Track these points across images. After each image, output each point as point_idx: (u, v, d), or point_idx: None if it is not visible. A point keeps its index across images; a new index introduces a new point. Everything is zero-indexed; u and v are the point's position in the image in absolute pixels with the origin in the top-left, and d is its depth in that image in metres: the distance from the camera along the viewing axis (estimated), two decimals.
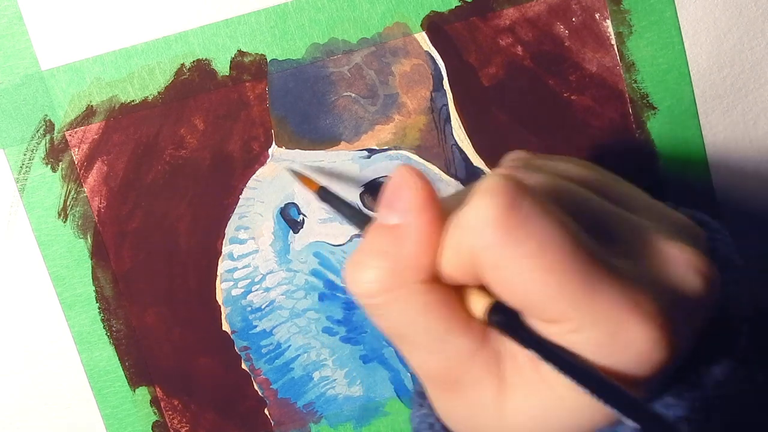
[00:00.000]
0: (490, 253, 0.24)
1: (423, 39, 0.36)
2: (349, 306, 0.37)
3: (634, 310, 0.24)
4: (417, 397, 0.29)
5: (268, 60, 0.35)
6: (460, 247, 0.25)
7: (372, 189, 0.37)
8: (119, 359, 0.37)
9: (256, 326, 0.37)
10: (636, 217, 0.27)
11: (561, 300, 0.24)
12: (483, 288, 0.26)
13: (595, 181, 0.29)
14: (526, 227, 0.24)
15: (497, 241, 0.24)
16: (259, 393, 0.38)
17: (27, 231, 0.36)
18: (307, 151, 0.36)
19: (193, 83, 0.35)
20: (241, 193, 0.36)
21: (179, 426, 0.38)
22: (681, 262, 0.25)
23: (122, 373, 0.37)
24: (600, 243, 0.25)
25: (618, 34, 0.36)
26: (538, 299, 0.24)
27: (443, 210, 0.26)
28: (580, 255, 0.24)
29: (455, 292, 0.26)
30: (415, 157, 0.36)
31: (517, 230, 0.24)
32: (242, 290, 0.37)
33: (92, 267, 0.36)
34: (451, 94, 0.36)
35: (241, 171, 0.36)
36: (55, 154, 0.36)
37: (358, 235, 0.37)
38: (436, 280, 0.26)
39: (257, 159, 0.36)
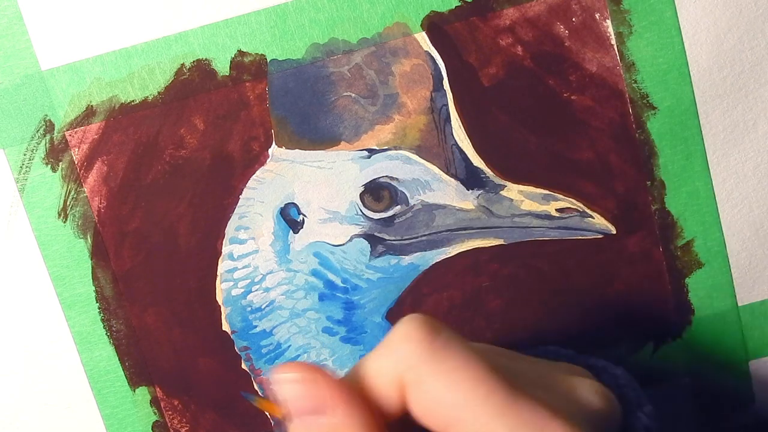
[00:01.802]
0: (416, 371, 0.26)
1: (423, 39, 0.36)
2: (349, 306, 0.38)
3: (554, 418, 0.26)
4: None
5: (268, 60, 0.35)
6: (384, 379, 0.27)
7: (372, 189, 0.37)
8: (119, 359, 0.37)
9: (256, 326, 0.37)
10: (537, 362, 0.30)
11: (486, 410, 0.25)
12: None
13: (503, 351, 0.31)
14: (447, 348, 0.26)
15: (423, 358, 0.26)
16: (259, 393, 0.38)
17: (27, 231, 0.36)
18: (307, 151, 0.36)
19: (193, 83, 0.35)
20: (241, 193, 0.36)
21: (179, 426, 0.38)
22: (585, 386, 0.28)
23: (122, 373, 0.37)
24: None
25: (618, 34, 0.36)
26: (463, 412, 0.25)
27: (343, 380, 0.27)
28: (499, 373, 0.26)
29: None
30: (415, 157, 0.36)
31: (440, 349, 0.26)
32: (242, 290, 0.37)
33: (92, 267, 0.36)
34: (451, 94, 0.36)
35: (241, 171, 0.36)
36: (55, 154, 0.36)
37: (358, 236, 0.37)
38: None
39: (257, 159, 0.36)
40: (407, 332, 0.26)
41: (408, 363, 0.26)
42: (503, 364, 0.28)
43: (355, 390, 0.27)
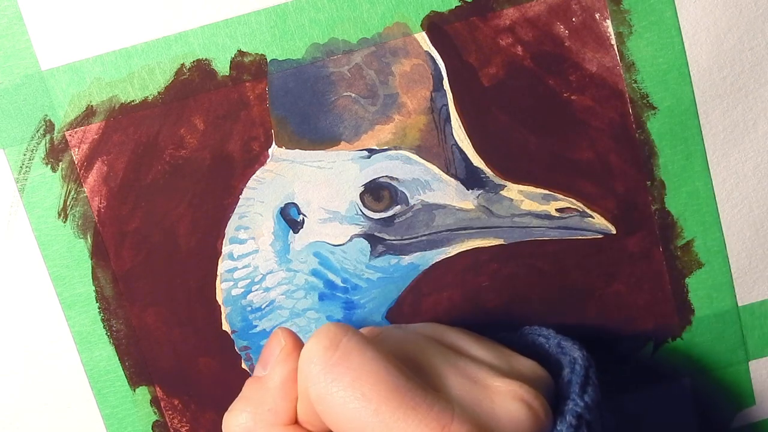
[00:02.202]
0: (315, 388, 0.28)
1: (423, 39, 0.36)
2: (349, 306, 0.38)
3: (443, 428, 0.27)
4: None
5: (268, 60, 0.35)
6: (300, 391, 0.30)
7: (372, 189, 0.37)
8: (119, 359, 0.37)
9: (256, 326, 0.37)
10: (464, 359, 0.31)
11: (377, 425, 0.27)
12: None
13: (440, 334, 0.33)
14: (344, 363, 0.28)
15: (320, 376, 0.28)
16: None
17: (27, 231, 0.36)
18: (307, 151, 0.36)
19: (193, 83, 0.35)
20: (241, 193, 0.36)
21: (179, 426, 0.38)
22: (504, 393, 0.29)
23: (122, 373, 0.37)
24: (421, 377, 0.29)
25: (618, 34, 0.36)
26: (357, 426, 0.27)
27: None
28: (393, 384, 0.27)
29: None
30: (415, 157, 0.36)
31: (335, 366, 0.28)
32: (242, 290, 0.37)
33: (92, 267, 0.36)
34: (451, 94, 0.36)
35: (241, 171, 0.36)
36: (55, 154, 0.36)
37: (358, 235, 0.37)
38: (297, 425, 0.30)
39: (257, 159, 0.36)
40: (308, 350, 0.29)
41: (309, 382, 0.28)
42: (416, 359, 0.30)
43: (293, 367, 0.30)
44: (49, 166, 0.36)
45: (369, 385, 0.27)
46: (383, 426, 0.27)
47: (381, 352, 0.28)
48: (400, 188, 0.37)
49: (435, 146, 0.36)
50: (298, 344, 0.31)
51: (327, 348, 0.28)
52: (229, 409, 0.31)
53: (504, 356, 0.32)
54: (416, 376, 0.29)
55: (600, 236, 0.37)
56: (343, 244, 0.37)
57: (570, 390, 0.31)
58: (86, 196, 0.36)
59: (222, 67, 0.35)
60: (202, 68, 0.35)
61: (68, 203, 0.36)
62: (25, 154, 0.35)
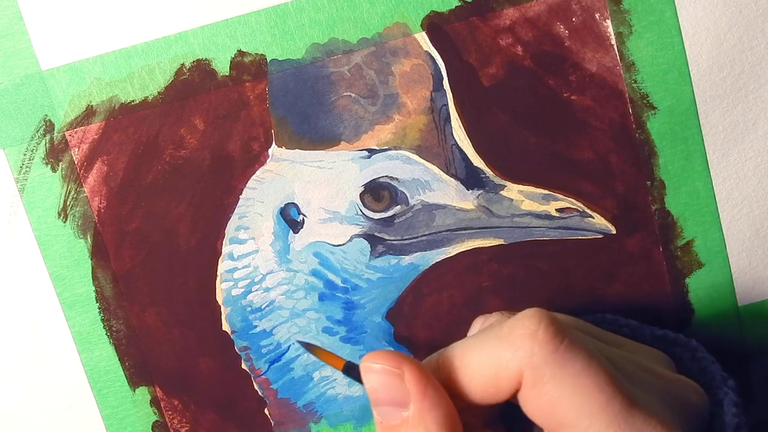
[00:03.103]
0: (538, 371, 0.26)
1: (423, 39, 0.36)
2: (349, 306, 0.38)
3: (662, 427, 0.26)
4: None
5: (268, 60, 0.35)
6: (500, 365, 0.27)
7: (372, 189, 0.37)
8: (119, 359, 0.37)
9: (256, 326, 0.37)
10: (635, 355, 0.30)
11: (603, 418, 0.26)
12: None
13: (591, 328, 0.32)
14: (571, 351, 0.26)
15: (547, 360, 0.26)
16: (259, 393, 0.38)
17: (27, 231, 0.36)
18: (307, 151, 0.36)
19: (193, 83, 0.35)
20: (241, 193, 0.36)
21: (179, 426, 0.38)
22: (683, 385, 0.29)
23: (122, 373, 0.37)
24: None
25: (618, 34, 0.36)
26: (579, 417, 0.26)
27: (433, 368, 0.28)
28: (618, 381, 0.26)
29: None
30: (415, 157, 0.36)
31: (564, 352, 0.26)
32: (242, 290, 0.37)
33: (92, 267, 0.36)
34: (451, 94, 0.36)
35: (241, 171, 0.36)
36: (55, 154, 0.36)
37: (358, 236, 0.37)
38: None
39: (257, 159, 0.36)
40: (533, 330, 0.27)
41: (531, 362, 0.27)
42: (615, 361, 0.29)
43: (439, 381, 0.28)
44: (49, 166, 0.36)
45: (597, 378, 0.26)
46: (605, 424, 0.26)
47: (599, 353, 0.28)
48: (400, 188, 0.37)
49: (435, 146, 0.36)
50: (420, 367, 0.28)
51: (556, 334, 0.27)
52: None
53: (640, 344, 0.32)
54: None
55: (600, 236, 0.37)
56: (343, 244, 0.37)
57: (711, 381, 0.31)
58: (86, 196, 0.36)
59: (222, 67, 0.35)
60: (202, 68, 0.35)
61: (68, 203, 0.36)
62: (25, 154, 0.35)
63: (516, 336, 0.27)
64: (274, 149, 0.36)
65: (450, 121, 0.36)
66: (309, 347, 0.34)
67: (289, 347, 0.38)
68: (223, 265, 0.37)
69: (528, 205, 0.37)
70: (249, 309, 0.37)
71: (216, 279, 0.37)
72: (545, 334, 0.27)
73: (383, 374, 0.27)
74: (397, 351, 0.28)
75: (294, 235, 0.37)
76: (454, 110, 0.36)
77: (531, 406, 0.27)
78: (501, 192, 0.37)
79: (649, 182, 0.37)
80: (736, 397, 0.30)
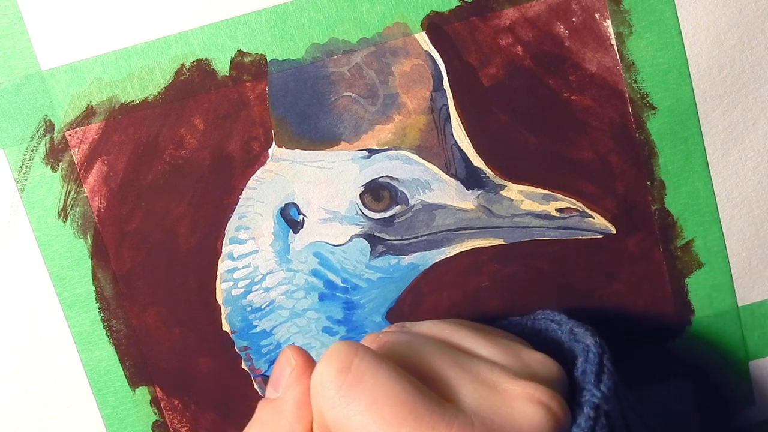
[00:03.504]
0: (332, 413, 0.27)
1: (423, 39, 0.36)
2: (349, 306, 0.38)
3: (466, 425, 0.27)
4: None
5: (268, 60, 0.35)
6: (315, 413, 0.29)
7: (372, 189, 0.37)
8: (119, 359, 0.37)
9: (256, 326, 0.37)
10: (476, 362, 0.30)
11: None
12: None
13: (448, 334, 0.32)
14: (358, 385, 0.27)
15: (335, 401, 0.27)
16: (259, 393, 0.38)
17: (27, 231, 0.36)
18: (307, 151, 0.36)
19: (193, 83, 0.35)
20: (241, 193, 0.36)
21: (179, 426, 0.38)
22: (521, 397, 0.28)
23: (122, 373, 0.37)
24: (437, 389, 0.28)
25: (618, 34, 0.36)
26: None
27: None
28: (411, 404, 0.27)
29: None
30: (415, 157, 0.36)
31: (350, 389, 0.27)
32: (242, 290, 0.37)
33: (92, 267, 0.36)
34: (451, 94, 0.36)
35: (241, 171, 0.36)
36: (55, 154, 0.36)
37: (358, 236, 0.37)
38: None
39: (257, 159, 0.36)
40: (320, 373, 0.28)
41: (325, 407, 0.28)
42: (428, 368, 0.30)
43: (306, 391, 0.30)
44: (49, 166, 0.36)
45: (387, 407, 0.27)
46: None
47: (395, 370, 0.28)
48: (400, 188, 0.37)
49: (435, 146, 0.36)
50: (309, 362, 0.30)
51: (340, 370, 0.28)
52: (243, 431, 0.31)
53: (514, 352, 0.31)
54: (430, 388, 0.28)
55: (600, 236, 0.37)
56: (343, 244, 0.37)
57: (585, 380, 0.31)
58: (86, 196, 0.36)
59: (222, 67, 0.35)
60: (202, 68, 0.35)
61: (68, 203, 0.36)
62: (25, 154, 0.35)
63: (313, 386, 0.28)
64: (274, 149, 0.36)
65: (450, 121, 0.36)
66: None
67: None
68: (223, 265, 0.37)
69: (528, 205, 0.37)
70: (249, 309, 0.37)
71: (216, 279, 0.37)
72: (328, 374, 0.28)
73: (281, 355, 0.31)
74: (309, 357, 0.31)
75: (294, 235, 0.37)
76: (454, 110, 0.36)
77: None
78: (501, 192, 0.37)
79: (649, 182, 0.37)
80: (600, 398, 0.30)
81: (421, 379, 0.28)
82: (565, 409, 0.29)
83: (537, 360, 0.31)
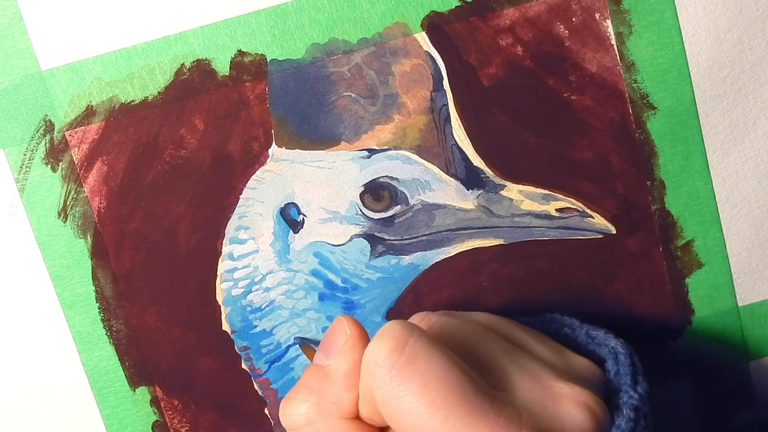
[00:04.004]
0: (382, 391, 0.27)
1: (423, 39, 0.36)
2: (349, 306, 0.38)
3: (517, 418, 0.27)
4: None
5: (268, 60, 0.35)
6: (363, 388, 0.29)
7: (372, 189, 0.37)
8: (119, 359, 0.37)
9: (256, 326, 0.37)
10: (527, 357, 0.30)
11: (452, 423, 0.26)
12: None
13: (498, 326, 0.32)
14: (411, 366, 0.27)
15: (386, 379, 0.27)
16: (259, 393, 0.38)
17: (27, 231, 0.36)
18: (307, 151, 0.36)
19: (193, 83, 0.35)
20: (241, 193, 0.36)
21: (179, 426, 0.38)
22: (568, 398, 0.29)
23: (122, 373, 0.37)
24: (486, 377, 0.28)
25: (618, 34, 0.36)
26: (429, 426, 0.27)
27: None
28: (462, 390, 0.27)
29: None
30: (415, 157, 0.36)
31: (402, 369, 0.27)
32: (242, 290, 0.37)
33: (92, 267, 0.36)
34: (451, 94, 0.36)
35: (241, 171, 0.36)
36: (55, 154, 0.36)
37: (358, 236, 0.37)
38: (359, 418, 0.29)
39: (257, 159, 0.36)
40: (373, 351, 0.28)
41: (375, 384, 0.27)
42: (480, 355, 0.29)
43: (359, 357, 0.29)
44: (49, 166, 0.36)
45: (437, 391, 0.27)
46: (463, 419, 0.26)
47: (448, 355, 0.28)
48: (400, 188, 0.37)
49: (435, 146, 0.36)
50: (364, 335, 0.30)
51: (393, 350, 0.27)
52: (287, 396, 0.30)
53: (561, 354, 0.31)
54: (480, 374, 0.28)
55: (600, 236, 0.37)
56: (343, 244, 0.37)
57: (620, 382, 0.31)
58: (86, 196, 0.36)
59: (222, 67, 0.35)
60: (202, 68, 0.35)
61: (68, 203, 0.36)
62: (25, 154, 0.35)
63: (365, 362, 0.28)
64: (274, 149, 0.36)
65: (450, 121, 0.36)
66: (304, 347, 0.36)
67: (288, 347, 0.38)
68: (223, 265, 0.37)
69: (528, 205, 0.37)
70: (249, 309, 0.37)
71: (216, 279, 0.37)
72: (382, 353, 0.27)
73: (336, 323, 0.31)
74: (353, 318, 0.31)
75: (294, 235, 0.37)
76: (454, 110, 0.36)
77: (390, 423, 0.28)
78: (501, 192, 0.37)
79: (649, 182, 0.37)
80: (639, 401, 0.30)
81: (471, 365, 0.28)
82: (606, 414, 0.29)
83: (581, 364, 0.31)
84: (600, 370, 0.31)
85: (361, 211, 0.37)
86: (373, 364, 0.27)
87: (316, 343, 0.37)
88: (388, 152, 0.36)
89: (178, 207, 0.36)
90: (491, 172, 0.37)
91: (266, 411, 0.38)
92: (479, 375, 0.28)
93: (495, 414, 0.27)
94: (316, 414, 0.29)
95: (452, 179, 0.37)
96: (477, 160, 0.36)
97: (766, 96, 0.37)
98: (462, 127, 0.36)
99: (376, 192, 0.37)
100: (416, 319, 0.32)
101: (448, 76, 0.36)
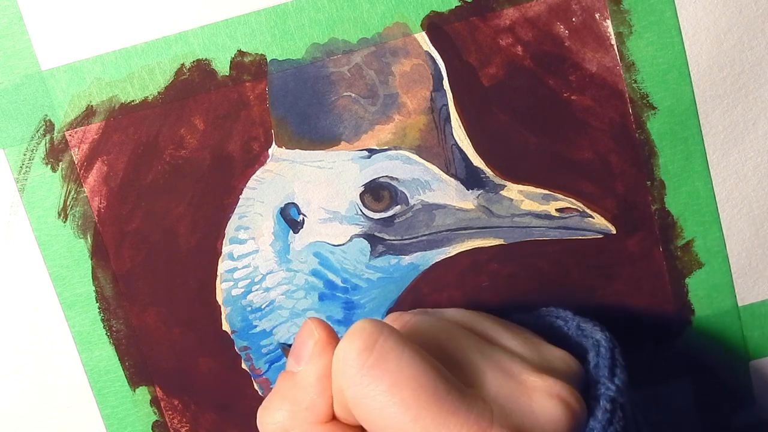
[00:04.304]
0: (352, 391, 0.27)
1: (423, 39, 0.36)
2: (349, 306, 0.38)
3: (487, 414, 0.27)
4: None
5: (268, 60, 0.35)
6: (335, 389, 0.29)
7: (372, 189, 0.37)
8: (119, 359, 0.37)
9: (256, 326, 0.37)
10: (499, 352, 0.30)
11: (417, 431, 0.26)
12: None
13: (471, 322, 0.32)
14: (381, 365, 0.27)
15: (356, 380, 0.27)
16: (259, 393, 0.38)
17: (27, 231, 0.36)
18: (307, 151, 0.36)
19: (193, 83, 0.35)
20: (241, 193, 0.36)
21: (179, 426, 0.38)
22: (540, 390, 0.29)
23: (122, 373, 0.37)
24: (458, 374, 0.28)
25: (618, 34, 0.36)
26: (397, 431, 0.27)
27: None
28: (432, 388, 0.27)
29: None
30: (415, 157, 0.36)
31: (372, 368, 0.27)
32: (242, 290, 0.37)
33: (92, 267, 0.36)
34: (451, 94, 0.36)
35: (241, 171, 0.36)
36: (55, 154, 0.36)
37: (358, 236, 0.37)
38: (336, 420, 0.29)
39: (257, 159, 0.36)
40: (342, 350, 0.28)
41: (345, 384, 0.27)
42: (451, 351, 0.29)
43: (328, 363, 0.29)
44: (49, 166, 0.36)
45: (408, 389, 0.27)
46: (423, 431, 0.26)
47: (418, 353, 0.28)
48: (400, 188, 0.37)
49: (435, 146, 0.36)
50: (332, 337, 0.30)
51: (362, 349, 0.27)
52: (263, 405, 0.30)
53: (535, 346, 0.31)
54: (452, 371, 0.28)
55: (600, 236, 0.37)
56: (343, 244, 0.37)
57: (599, 374, 0.31)
58: (86, 196, 0.36)
59: (222, 67, 0.35)
60: (202, 68, 0.35)
61: (68, 203, 0.36)
62: (25, 154, 0.35)
63: (335, 363, 0.28)
64: (274, 149, 0.36)
65: (450, 121, 0.36)
66: (285, 351, 0.36)
67: (289, 347, 0.38)
68: (223, 265, 0.37)
69: (528, 205, 0.37)
70: (249, 309, 0.37)
71: (216, 279, 0.37)
72: (351, 352, 0.27)
73: (303, 326, 0.30)
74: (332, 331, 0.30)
75: (294, 235, 0.37)
76: (454, 110, 0.36)
77: (361, 422, 0.28)
78: (501, 192, 0.37)
79: (649, 182, 0.37)
80: (616, 391, 0.30)
81: (442, 363, 0.28)
82: (582, 406, 0.29)
83: (556, 355, 0.31)
84: (577, 362, 0.31)
85: (361, 211, 0.37)
86: (343, 363, 0.27)
87: None
88: (388, 152, 0.36)
89: (178, 207, 0.36)
90: (491, 172, 0.37)
91: None
92: (451, 372, 0.28)
93: (466, 411, 0.27)
94: (290, 421, 0.29)
95: (452, 179, 0.37)
96: (477, 160, 0.36)
97: (766, 96, 0.37)
98: (462, 127, 0.36)
99: (376, 192, 0.37)
100: (390, 318, 0.32)
101: (448, 76, 0.36)
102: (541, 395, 0.28)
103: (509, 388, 0.29)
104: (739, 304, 0.39)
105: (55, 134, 0.35)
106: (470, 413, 0.27)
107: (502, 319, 0.34)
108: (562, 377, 0.30)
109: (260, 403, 0.37)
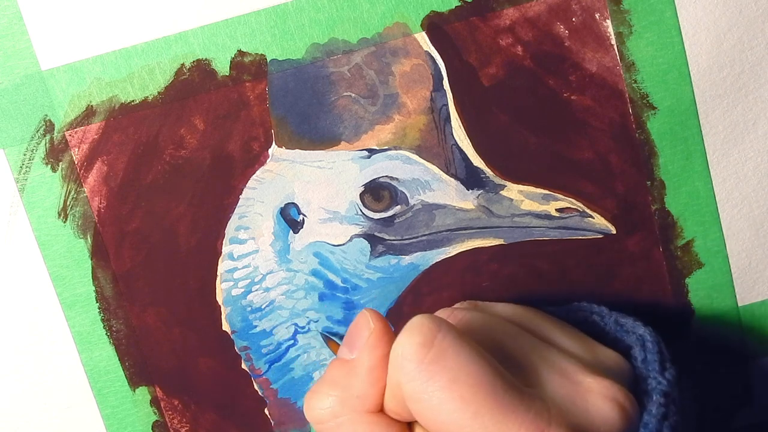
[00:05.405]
0: (410, 386, 0.27)
1: (423, 39, 0.36)
2: (349, 306, 0.38)
3: (546, 413, 0.27)
4: None
5: (268, 60, 0.35)
6: (391, 382, 0.29)
7: (372, 189, 0.37)
8: (119, 359, 0.37)
9: (256, 326, 0.37)
10: (555, 352, 0.30)
11: (475, 428, 0.26)
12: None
13: (524, 319, 0.32)
14: (440, 362, 0.27)
15: (415, 375, 0.27)
16: (259, 393, 0.38)
17: (27, 231, 0.36)
18: (307, 151, 0.36)
19: (193, 83, 0.35)
20: (241, 193, 0.36)
21: (179, 426, 0.38)
22: (596, 392, 0.29)
23: (122, 373, 0.37)
24: (514, 373, 0.28)
25: (618, 34, 0.36)
26: (455, 428, 0.27)
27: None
28: (491, 385, 0.27)
29: (404, 428, 0.29)
30: (415, 157, 0.36)
31: (431, 364, 0.27)
32: (242, 290, 0.37)
33: (92, 267, 0.36)
34: (451, 94, 0.36)
35: (241, 171, 0.36)
36: (55, 154, 0.36)
37: (358, 236, 0.37)
38: (383, 412, 0.29)
39: (257, 159, 0.36)
40: (402, 345, 0.28)
41: (404, 379, 0.27)
42: (508, 350, 0.29)
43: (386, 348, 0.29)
44: (49, 166, 0.36)
45: (467, 386, 0.27)
46: (481, 429, 0.26)
47: (476, 350, 0.28)
48: (400, 188, 0.37)
49: (435, 146, 0.36)
50: (387, 329, 0.30)
51: (422, 344, 0.27)
52: (312, 389, 0.30)
53: (588, 346, 0.31)
54: (508, 370, 0.28)
55: (600, 236, 0.37)
56: (343, 244, 0.37)
57: (649, 369, 0.31)
58: (86, 196, 0.36)
59: (222, 67, 0.35)
60: (202, 68, 0.35)
61: (68, 203, 0.36)
62: (25, 154, 0.35)
63: (393, 356, 0.28)
64: (274, 149, 0.36)
65: (450, 121, 0.36)
66: (327, 340, 0.36)
67: (289, 347, 0.38)
68: (223, 265, 0.37)
69: (528, 205, 0.37)
70: (249, 309, 0.37)
71: (216, 279, 0.37)
72: (410, 348, 0.27)
73: (360, 317, 0.30)
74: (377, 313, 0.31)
75: (294, 235, 0.37)
76: (454, 110, 0.36)
77: (418, 419, 0.28)
78: (501, 192, 0.37)
79: (649, 182, 0.37)
80: (668, 386, 0.30)
81: (499, 361, 0.28)
82: (635, 408, 0.29)
83: (608, 356, 0.31)
84: (627, 362, 0.31)
85: (361, 211, 0.37)
86: (402, 358, 0.27)
87: (340, 337, 0.37)
88: (388, 152, 0.36)
89: (178, 207, 0.36)
90: (491, 172, 0.37)
91: (266, 411, 0.38)
92: (507, 371, 0.28)
93: (524, 409, 0.27)
94: (340, 408, 0.29)
95: (452, 179, 0.37)
96: (477, 160, 0.36)
97: (766, 96, 0.37)
98: (462, 127, 0.36)
99: (376, 192, 0.37)
100: (443, 314, 0.32)
101: (448, 76, 0.36)
102: (597, 397, 0.28)
103: (565, 388, 0.29)
104: (739, 304, 0.39)
105: (55, 134, 0.35)
106: (528, 412, 0.27)
107: (554, 317, 0.34)
108: (615, 377, 0.30)
109: (260, 403, 0.37)
